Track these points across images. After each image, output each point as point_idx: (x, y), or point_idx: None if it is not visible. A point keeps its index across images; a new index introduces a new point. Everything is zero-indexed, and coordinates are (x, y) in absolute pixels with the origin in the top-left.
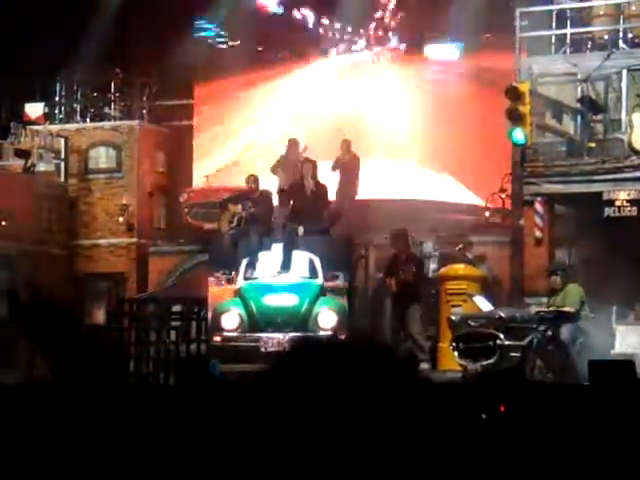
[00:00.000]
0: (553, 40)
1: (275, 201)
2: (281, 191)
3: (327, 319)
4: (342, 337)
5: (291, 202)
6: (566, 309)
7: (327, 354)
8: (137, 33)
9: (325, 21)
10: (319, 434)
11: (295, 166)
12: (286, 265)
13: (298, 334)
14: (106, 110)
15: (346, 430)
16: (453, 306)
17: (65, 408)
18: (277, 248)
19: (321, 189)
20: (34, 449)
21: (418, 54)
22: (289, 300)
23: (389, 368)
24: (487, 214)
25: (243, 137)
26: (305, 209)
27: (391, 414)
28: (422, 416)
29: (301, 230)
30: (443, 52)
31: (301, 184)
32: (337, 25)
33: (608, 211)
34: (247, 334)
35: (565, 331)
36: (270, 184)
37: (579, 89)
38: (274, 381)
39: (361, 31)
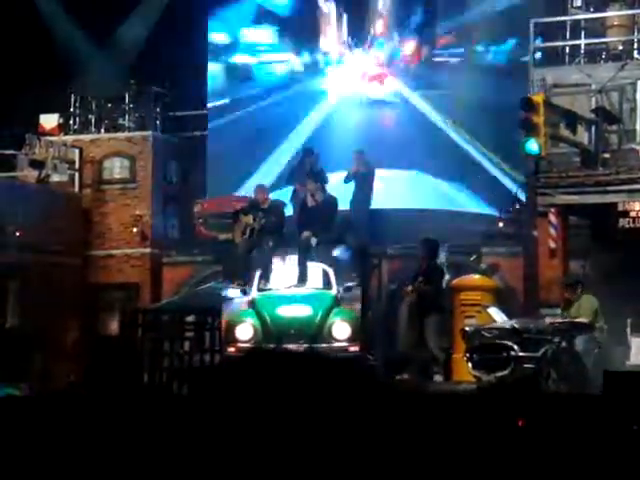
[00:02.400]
0: (567, 50)
1: (288, 211)
2: (292, 202)
3: (341, 330)
4: (354, 348)
5: (300, 214)
6: (580, 320)
7: (273, 364)
8: (151, 44)
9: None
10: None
11: (306, 176)
12: (301, 277)
13: (312, 345)
14: (120, 121)
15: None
16: (467, 317)
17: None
18: (290, 259)
19: (328, 203)
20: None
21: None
22: (303, 311)
23: (344, 378)
24: (500, 224)
25: (258, 147)
26: (313, 222)
27: (343, 423)
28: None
29: (314, 241)
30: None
31: (310, 197)
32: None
33: (623, 222)
34: (261, 345)
35: (579, 342)
36: (283, 194)
37: (593, 100)
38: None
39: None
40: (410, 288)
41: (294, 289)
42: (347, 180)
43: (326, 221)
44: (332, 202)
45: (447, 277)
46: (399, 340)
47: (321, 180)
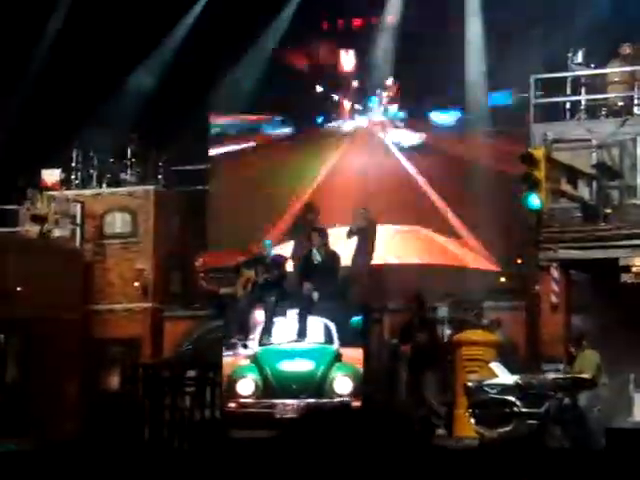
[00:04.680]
0: (568, 106)
1: (289, 266)
2: (293, 257)
3: (342, 385)
4: (356, 403)
5: (303, 269)
6: (583, 376)
7: (338, 421)
8: (153, 98)
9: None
10: None
11: (309, 232)
12: (302, 331)
13: (313, 400)
14: (122, 175)
15: None
16: (469, 372)
17: (82, 471)
18: (292, 313)
19: (330, 258)
20: None
21: (421, 121)
22: (304, 366)
23: (404, 436)
24: (502, 279)
25: (258, 200)
26: (314, 278)
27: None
28: None
29: (316, 296)
30: (446, 118)
31: (310, 253)
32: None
33: (625, 277)
34: (262, 400)
35: (583, 398)
36: (284, 248)
37: (594, 155)
38: (285, 446)
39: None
40: (406, 345)
41: (296, 343)
42: (349, 235)
43: (329, 276)
44: (335, 257)
45: (449, 332)
46: (400, 396)
47: (323, 235)
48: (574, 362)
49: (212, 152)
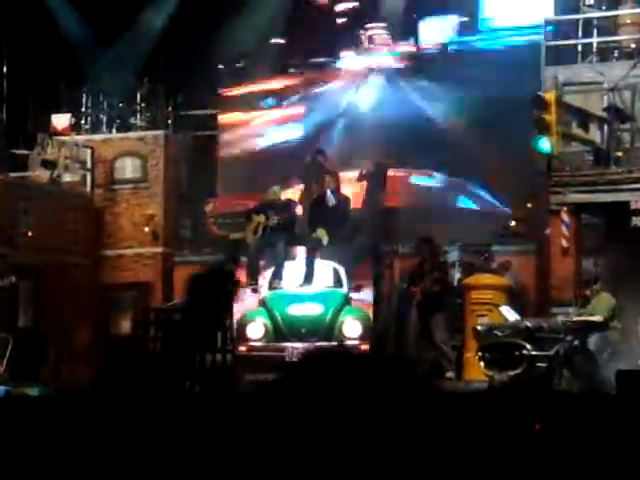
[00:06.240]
0: (579, 49)
1: (299, 210)
2: (304, 201)
3: (352, 328)
4: (365, 347)
5: (314, 212)
6: (593, 319)
7: (339, 364)
8: (163, 42)
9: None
10: (329, 443)
11: (319, 175)
12: (309, 276)
13: (323, 343)
14: (132, 120)
15: (357, 440)
16: (479, 316)
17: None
18: (302, 258)
19: (343, 202)
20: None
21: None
22: (314, 309)
23: (407, 379)
24: (513, 223)
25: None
26: (327, 221)
27: (405, 424)
28: (440, 428)
29: (325, 240)
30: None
31: (323, 196)
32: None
33: (635, 221)
34: (272, 344)
35: (592, 341)
36: (293, 192)
37: (605, 98)
38: (286, 389)
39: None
40: (416, 288)
41: (305, 287)
42: (359, 179)
43: (340, 220)
44: (346, 201)
45: (458, 276)
46: (409, 340)
47: (336, 179)
48: (588, 303)
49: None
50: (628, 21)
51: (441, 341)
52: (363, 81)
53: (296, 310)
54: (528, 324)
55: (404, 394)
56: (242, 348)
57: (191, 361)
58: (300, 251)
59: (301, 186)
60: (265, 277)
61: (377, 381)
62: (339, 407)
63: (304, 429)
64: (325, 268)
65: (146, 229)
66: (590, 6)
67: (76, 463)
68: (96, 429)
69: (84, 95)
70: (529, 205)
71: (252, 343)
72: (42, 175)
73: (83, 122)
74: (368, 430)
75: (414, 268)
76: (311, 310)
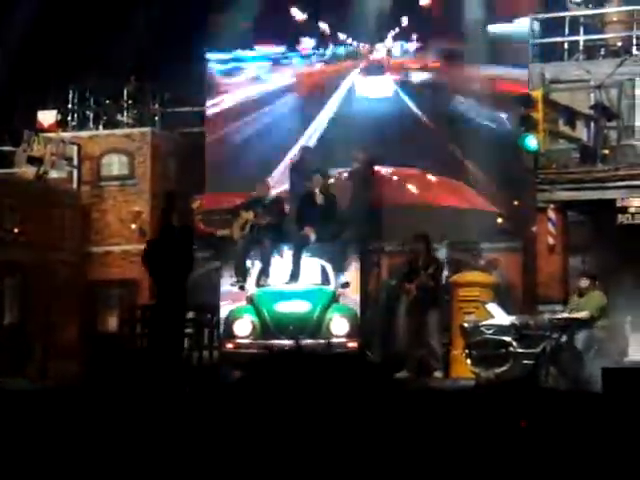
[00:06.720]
0: (566, 46)
1: (287, 207)
2: (291, 199)
3: (339, 326)
4: (352, 344)
5: (302, 210)
6: (578, 315)
7: (296, 364)
8: (149, 40)
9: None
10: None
11: (307, 174)
12: (296, 274)
13: (310, 341)
14: (119, 117)
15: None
16: (466, 313)
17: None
18: (290, 255)
19: (331, 200)
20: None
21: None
22: (301, 307)
23: (361, 375)
24: (499, 220)
25: (258, 141)
26: (314, 219)
27: (357, 420)
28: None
29: (312, 237)
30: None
31: (311, 194)
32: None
33: (621, 218)
34: (259, 341)
35: (579, 338)
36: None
37: (592, 96)
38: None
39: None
40: (411, 285)
41: (292, 285)
42: (349, 178)
43: (328, 218)
44: (333, 199)
45: (446, 273)
46: (398, 337)
47: (325, 177)
48: (580, 298)
49: (209, 101)
50: (615, 19)
51: (433, 338)
52: (352, 76)
53: (283, 307)
54: (515, 321)
55: (361, 391)
56: (229, 345)
57: (177, 349)
58: (288, 248)
59: (289, 184)
60: (252, 274)
61: (334, 379)
62: (294, 408)
63: (272, 422)
64: (313, 265)
65: (133, 226)
66: (577, 4)
67: (62, 457)
68: (82, 425)
69: (71, 92)
70: (516, 203)
71: (239, 340)
72: (28, 172)
73: (70, 119)
74: (332, 428)
75: (407, 264)
76: (298, 307)
